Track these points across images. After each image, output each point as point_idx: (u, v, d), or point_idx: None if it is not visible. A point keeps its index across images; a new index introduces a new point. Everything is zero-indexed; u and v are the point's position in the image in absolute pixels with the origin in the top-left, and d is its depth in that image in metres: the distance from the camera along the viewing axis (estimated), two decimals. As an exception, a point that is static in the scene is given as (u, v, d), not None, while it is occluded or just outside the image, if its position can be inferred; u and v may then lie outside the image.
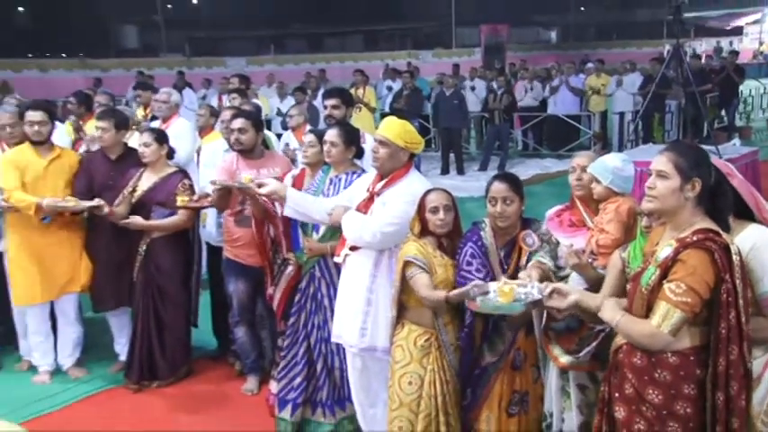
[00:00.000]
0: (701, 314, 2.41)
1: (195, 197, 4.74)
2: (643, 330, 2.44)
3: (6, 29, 35.21)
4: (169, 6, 30.69)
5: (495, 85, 12.90)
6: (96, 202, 4.69)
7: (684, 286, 2.36)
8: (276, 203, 4.18)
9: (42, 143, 4.89)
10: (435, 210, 3.39)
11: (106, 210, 4.67)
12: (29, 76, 20.00)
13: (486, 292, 2.88)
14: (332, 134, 4.09)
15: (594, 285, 3.01)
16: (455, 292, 3.21)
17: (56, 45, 31.11)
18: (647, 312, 2.46)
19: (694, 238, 2.41)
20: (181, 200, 4.66)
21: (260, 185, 3.95)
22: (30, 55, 26.39)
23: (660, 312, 2.39)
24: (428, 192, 3.47)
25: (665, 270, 2.43)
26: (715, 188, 2.51)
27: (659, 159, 2.52)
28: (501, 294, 2.81)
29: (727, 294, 2.38)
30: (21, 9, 40.45)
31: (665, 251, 2.46)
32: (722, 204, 2.53)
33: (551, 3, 42.20)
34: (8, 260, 5.01)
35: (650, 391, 2.46)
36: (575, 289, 2.71)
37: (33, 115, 4.83)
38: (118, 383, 4.98)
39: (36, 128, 4.82)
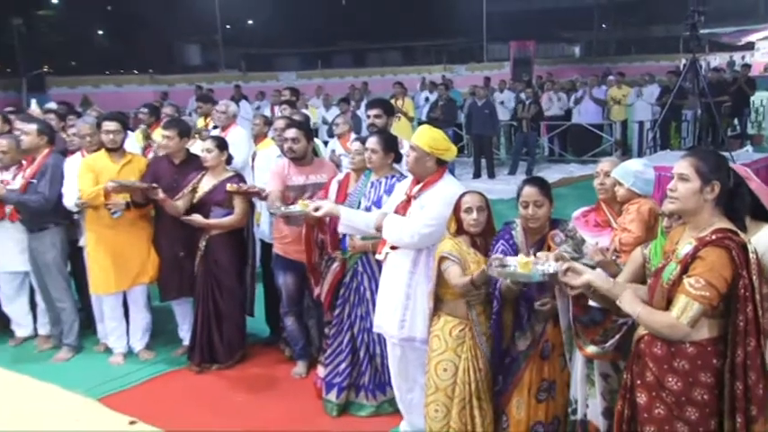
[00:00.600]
0: (718, 308, 2.37)
1: (245, 186, 4.75)
2: (663, 321, 2.40)
3: (87, 50, 36.03)
4: (227, 27, 31.00)
5: (523, 96, 12.81)
6: (154, 185, 4.72)
7: (703, 281, 2.32)
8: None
9: (116, 150, 4.96)
10: (469, 210, 3.35)
11: (161, 195, 4.70)
12: (106, 90, 20.44)
13: (506, 266, 2.85)
14: (372, 142, 4.09)
15: (617, 281, 2.95)
16: (478, 271, 3.18)
17: (129, 63, 31.73)
18: (667, 305, 2.43)
19: (713, 237, 2.37)
20: (230, 186, 4.69)
21: (316, 209, 3.94)
22: (107, 72, 26.87)
23: (680, 305, 2.35)
24: (463, 194, 3.44)
25: (686, 266, 2.39)
26: (733, 191, 2.47)
27: (681, 163, 2.48)
28: (520, 266, 2.78)
29: (745, 289, 2.34)
30: (100, 32, 41.37)
31: (685, 248, 2.42)
32: (739, 206, 2.49)
33: (575, 20, 41.81)
34: (87, 254, 5.10)
35: (669, 379, 2.43)
36: (588, 269, 2.65)
37: (109, 125, 4.91)
38: (182, 365, 5.03)
39: (111, 136, 4.90)
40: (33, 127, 5.19)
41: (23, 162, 5.16)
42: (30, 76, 20.12)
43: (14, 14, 21.83)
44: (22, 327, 5.57)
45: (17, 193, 5.02)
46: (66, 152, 5.43)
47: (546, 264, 2.75)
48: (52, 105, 8.47)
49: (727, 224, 2.42)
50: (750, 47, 26.26)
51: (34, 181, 5.04)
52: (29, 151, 5.15)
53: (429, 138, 3.66)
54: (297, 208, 4.15)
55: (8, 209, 5.14)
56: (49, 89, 19.26)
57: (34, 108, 8.04)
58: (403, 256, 3.76)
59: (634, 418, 2.57)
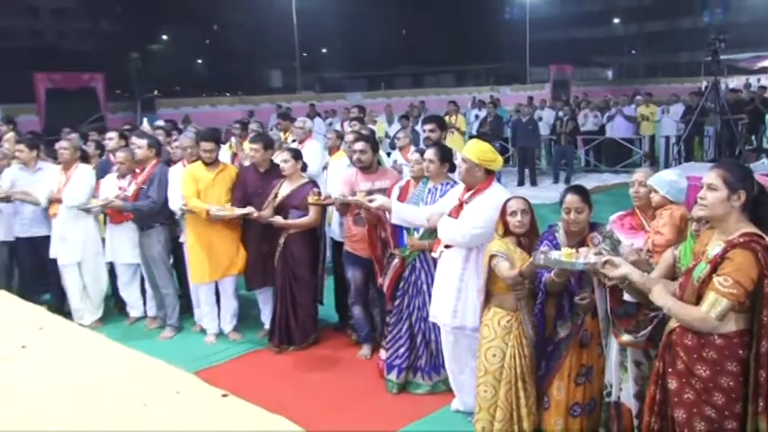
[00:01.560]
0: (744, 304, 2.30)
1: (322, 197, 4.77)
2: (694, 315, 2.34)
3: (188, 77, 37.25)
4: (304, 55, 31.43)
5: (561, 113, 12.62)
6: (248, 210, 4.81)
7: (731, 280, 2.26)
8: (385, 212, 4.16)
9: (211, 162, 5.05)
10: (514, 213, 3.30)
11: (255, 215, 4.79)
12: (203, 110, 20.91)
13: (550, 256, 2.81)
14: (430, 153, 4.06)
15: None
16: (526, 264, 3.13)
17: (222, 87, 32.58)
18: (697, 301, 2.36)
19: (741, 240, 2.30)
20: (312, 199, 4.71)
21: (371, 200, 3.96)
22: (204, 95, 27.68)
23: (709, 301, 2.29)
24: (509, 199, 3.39)
25: (715, 266, 2.33)
26: (757, 199, 2.39)
27: (710, 174, 2.42)
28: (564, 255, 2.74)
29: None
30: (199, 61, 42.68)
31: (714, 250, 2.36)
32: (763, 212, 2.41)
33: (608, 47, 41.95)
34: (186, 249, 5.21)
35: (698, 367, 2.37)
36: (625, 263, 2.60)
37: (206, 145, 5.01)
38: (263, 346, 5.07)
39: (207, 154, 4.99)
40: (145, 142, 5.32)
41: (137, 171, 5.31)
42: (143, 99, 20.84)
43: (133, 50, 22.82)
44: (134, 309, 5.72)
45: (131, 202, 5.17)
46: (170, 162, 5.57)
47: (587, 256, 2.71)
48: (160, 123, 8.74)
49: (753, 228, 2.35)
50: (764, 71, 25.94)
51: (144, 187, 5.19)
52: (141, 162, 5.29)
53: (478, 150, 3.62)
54: (354, 197, 4.18)
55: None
56: (157, 110, 19.86)
57: (146, 125, 8.29)
58: (456, 254, 3.72)
59: (665, 401, 2.50)
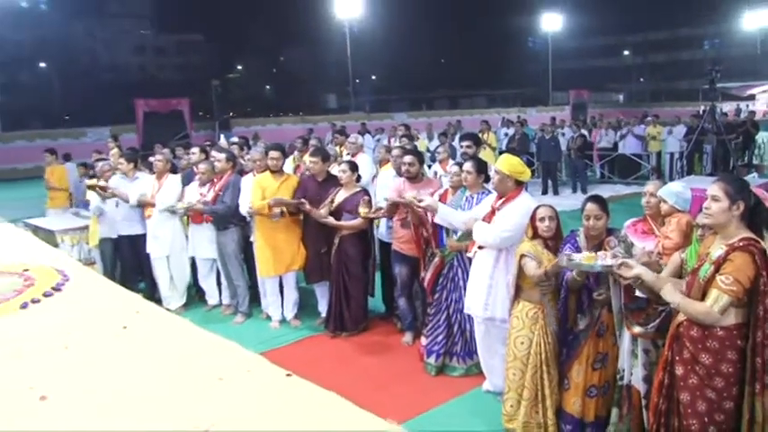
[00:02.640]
0: (742, 299, 2.30)
1: (372, 210, 4.77)
2: (699, 309, 2.34)
3: (259, 100, 38.09)
4: (357, 81, 31.68)
5: (572, 132, 12.59)
6: (302, 201, 4.84)
7: (732, 278, 2.27)
8: (428, 214, 4.15)
9: (277, 171, 5.11)
10: (543, 219, 3.27)
11: (307, 207, 4.81)
12: (270, 128, 21.37)
13: (573, 259, 2.81)
14: (468, 166, 4.04)
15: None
16: (551, 264, 3.12)
17: (286, 108, 33.18)
18: (702, 297, 2.36)
19: (740, 244, 2.31)
20: (363, 212, 4.71)
21: (420, 201, 3.96)
22: (270, 115, 28.23)
23: (713, 297, 2.30)
24: (539, 206, 3.36)
25: (718, 266, 2.33)
26: (754, 208, 2.41)
27: (713, 187, 2.43)
28: (585, 259, 2.75)
29: (764, 285, 2.28)
30: (267, 87, 43.58)
31: (717, 252, 2.35)
32: (759, 220, 2.42)
33: (620, 75, 43.17)
34: (255, 247, 5.27)
35: (702, 356, 2.36)
36: (638, 265, 2.60)
37: (273, 153, 5.08)
38: (320, 332, 5.10)
39: (274, 161, 5.05)
40: (224, 156, 5.44)
41: (214, 180, 5.43)
42: (220, 119, 21.42)
43: (213, 78, 23.69)
44: (212, 297, 5.82)
45: (209, 205, 5.28)
46: (242, 172, 5.66)
47: (605, 259, 2.70)
48: (234, 139, 8.92)
49: (750, 234, 2.35)
50: (752, 97, 26.00)
51: (221, 193, 5.30)
52: (220, 172, 5.40)
53: (509, 164, 3.61)
54: (406, 199, 4.18)
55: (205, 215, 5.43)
56: (232, 128, 20.38)
57: (223, 141, 8.49)
58: (488, 254, 3.70)
59: (672, 385, 2.49)
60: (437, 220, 3.97)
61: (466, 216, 3.84)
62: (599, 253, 2.79)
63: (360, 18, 27.72)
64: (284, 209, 4.98)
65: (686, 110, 22.39)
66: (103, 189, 5.57)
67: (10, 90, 29.38)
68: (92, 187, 5.69)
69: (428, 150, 11.43)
